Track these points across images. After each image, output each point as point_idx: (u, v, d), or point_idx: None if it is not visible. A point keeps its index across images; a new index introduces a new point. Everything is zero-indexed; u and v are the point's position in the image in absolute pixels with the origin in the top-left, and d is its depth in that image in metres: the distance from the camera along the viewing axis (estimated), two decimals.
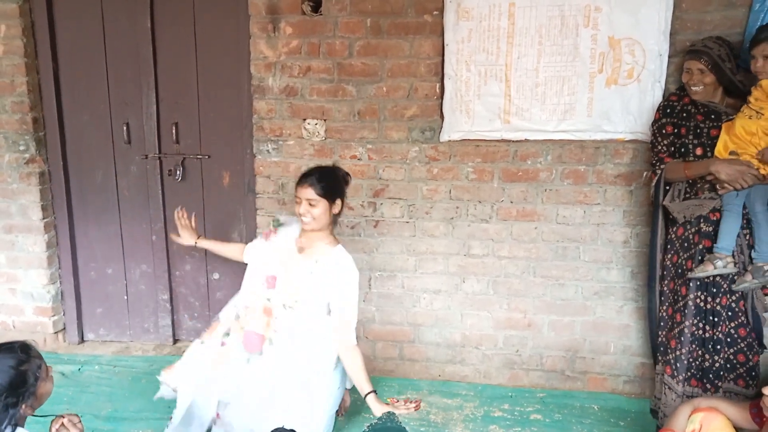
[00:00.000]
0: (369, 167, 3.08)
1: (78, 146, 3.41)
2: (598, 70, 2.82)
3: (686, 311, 2.54)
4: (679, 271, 2.61)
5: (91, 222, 3.49)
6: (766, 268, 2.40)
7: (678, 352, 2.56)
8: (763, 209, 2.43)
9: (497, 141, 2.97)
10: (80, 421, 1.86)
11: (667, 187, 2.63)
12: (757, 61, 2.36)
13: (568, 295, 3.06)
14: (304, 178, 2.46)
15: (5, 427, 1.63)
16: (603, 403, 2.99)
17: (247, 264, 2.66)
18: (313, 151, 3.10)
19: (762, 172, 2.35)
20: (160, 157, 3.36)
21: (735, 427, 2.07)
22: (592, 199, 2.96)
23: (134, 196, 3.44)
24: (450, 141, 2.99)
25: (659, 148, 2.66)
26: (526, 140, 2.94)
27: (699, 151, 2.53)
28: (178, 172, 3.34)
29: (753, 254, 2.46)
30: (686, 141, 2.57)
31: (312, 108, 3.06)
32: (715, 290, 2.50)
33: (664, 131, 2.65)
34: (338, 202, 2.49)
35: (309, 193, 2.42)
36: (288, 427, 2.37)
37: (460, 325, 3.17)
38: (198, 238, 2.85)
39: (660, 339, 2.72)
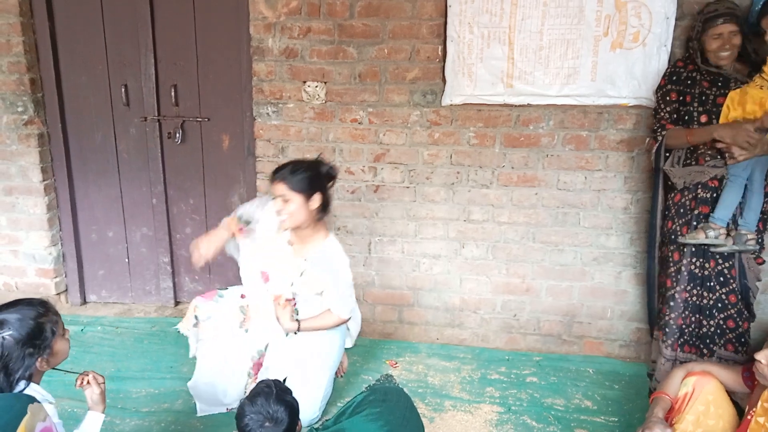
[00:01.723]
0: (370, 131, 3.06)
1: (76, 108, 3.38)
2: (603, 33, 2.77)
3: (679, 277, 2.56)
4: (673, 237, 2.62)
5: (91, 184, 3.49)
6: (749, 236, 2.41)
7: (667, 318, 2.60)
8: (760, 178, 2.42)
9: (499, 105, 2.93)
10: (104, 382, 1.94)
11: (667, 154, 2.61)
12: (765, 34, 2.31)
13: (566, 261, 3.07)
14: (276, 173, 2.32)
15: (19, 378, 1.68)
16: (598, 367, 3.03)
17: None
18: (313, 114, 3.07)
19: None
20: (159, 120, 3.34)
21: (727, 391, 2.11)
22: (593, 165, 2.95)
23: (134, 158, 3.42)
24: (452, 105, 2.96)
25: (662, 114, 2.63)
26: (529, 105, 2.91)
27: (704, 119, 2.50)
28: (177, 135, 3.32)
29: (739, 221, 2.46)
30: (691, 109, 2.54)
31: (312, 70, 3.02)
32: (708, 255, 2.52)
33: (668, 98, 2.61)
34: (316, 197, 2.31)
35: (280, 188, 2.28)
36: (290, 386, 2.42)
37: (459, 290, 3.19)
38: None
39: (658, 305, 2.75)
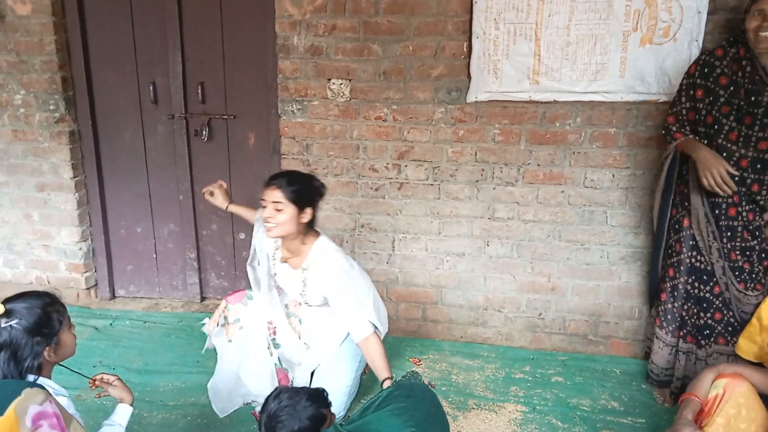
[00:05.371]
0: (394, 128, 3.05)
1: (106, 106, 3.45)
2: (633, 28, 2.72)
3: (682, 268, 2.57)
4: (676, 226, 2.59)
5: (120, 181, 3.55)
6: None
7: (670, 305, 2.63)
8: None
9: (525, 102, 2.90)
10: (117, 378, 1.96)
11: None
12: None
13: (593, 260, 3.03)
14: (273, 179, 2.28)
15: (28, 367, 1.69)
16: (625, 367, 2.98)
17: None
18: (338, 111, 3.08)
19: None
20: (186, 117, 3.38)
21: (760, 393, 2.06)
22: (621, 163, 2.90)
23: (161, 156, 3.47)
24: (477, 102, 2.94)
25: (679, 108, 2.49)
26: (555, 101, 2.88)
27: (733, 136, 2.35)
28: (204, 133, 3.36)
29: None
30: (720, 116, 2.36)
31: (337, 67, 3.03)
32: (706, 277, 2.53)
33: (692, 93, 2.43)
34: (308, 211, 2.29)
35: (276, 195, 2.23)
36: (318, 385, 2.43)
37: (483, 288, 3.17)
38: (230, 203, 2.73)
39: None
